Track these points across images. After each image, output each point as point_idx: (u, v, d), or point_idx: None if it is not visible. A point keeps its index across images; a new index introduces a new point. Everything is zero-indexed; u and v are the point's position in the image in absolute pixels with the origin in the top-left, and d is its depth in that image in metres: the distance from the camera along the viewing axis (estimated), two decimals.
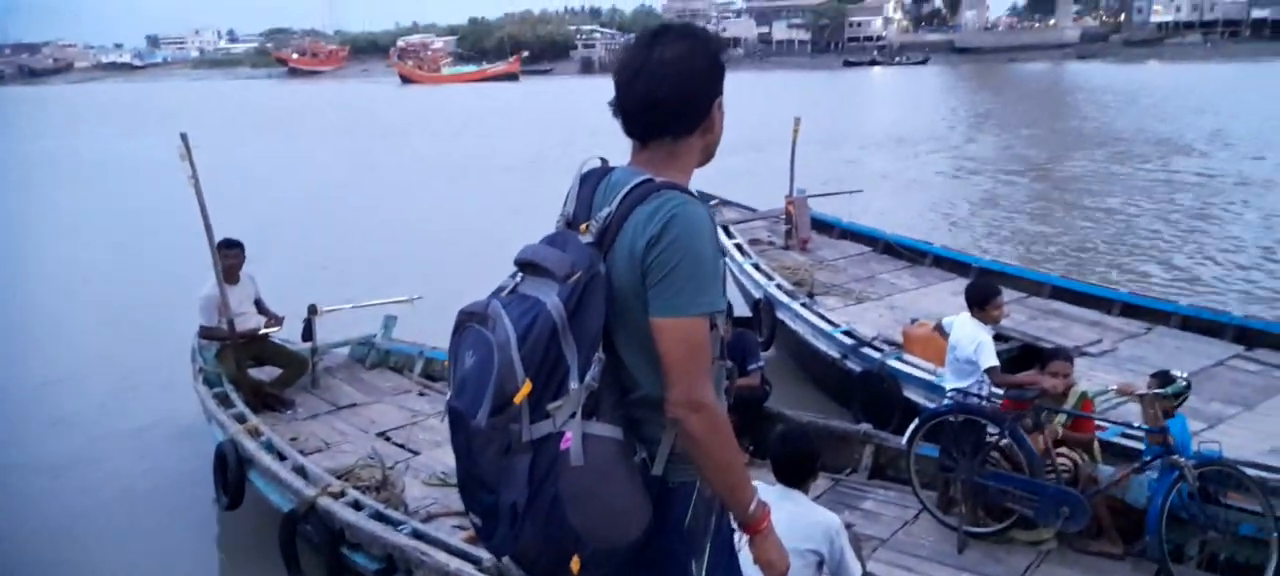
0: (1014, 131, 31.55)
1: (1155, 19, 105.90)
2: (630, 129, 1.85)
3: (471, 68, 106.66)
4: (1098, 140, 27.69)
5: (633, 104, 1.81)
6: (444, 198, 19.97)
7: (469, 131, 37.03)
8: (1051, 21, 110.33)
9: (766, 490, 3.50)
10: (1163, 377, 4.60)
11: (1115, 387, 4.96)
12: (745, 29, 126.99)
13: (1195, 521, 4.33)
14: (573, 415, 1.68)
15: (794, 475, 3.46)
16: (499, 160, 25.55)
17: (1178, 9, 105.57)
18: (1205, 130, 28.37)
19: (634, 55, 1.80)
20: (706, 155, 1.91)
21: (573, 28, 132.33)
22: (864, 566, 3.65)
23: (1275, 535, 4.16)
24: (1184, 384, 4.56)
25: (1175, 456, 4.24)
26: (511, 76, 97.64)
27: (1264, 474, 4.51)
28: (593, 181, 1.87)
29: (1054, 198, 18.27)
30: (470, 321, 1.77)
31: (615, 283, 1.73)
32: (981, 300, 5.16)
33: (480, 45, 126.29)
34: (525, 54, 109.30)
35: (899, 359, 6.50)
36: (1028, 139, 28.98)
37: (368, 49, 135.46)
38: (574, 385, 1.68)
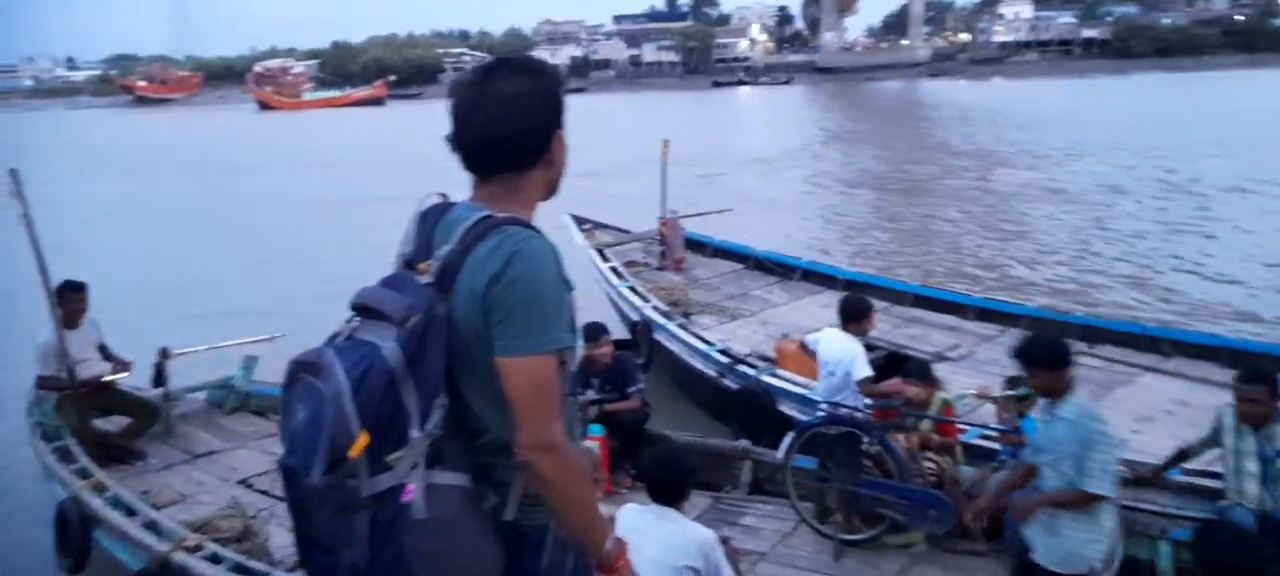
0: (874, 147, 33.04)
1: (997, 39, 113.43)
2: (470, 164, 1.79)
3: (335, 93, 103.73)
4: (951, 154, 29.32)
5: (471, 139, 1.75)
6: (306, 231, 19.23)
7: (333, 160, 35.87)
8: (904, 42, 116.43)
9: (642, 510, 3.50)
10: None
11: (973, 392, 5.21)
12: (616, 51, 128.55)
13: None
14: (414, 466, 1.61)
15: (668, 494, 3.50)
16: (364, 190, 24.84)
17: (1017, 29, 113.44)
18: (1051, 142, 30.46)
19: (470, 89, 1.74)
20: (549, 188, 1.86)
21: (441, 51, 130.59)
22: None
23: (1121, 523, 4.43)
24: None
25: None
26: (377, 101, 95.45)
27: None
28: (432, 219, 1.80)
29: (912, 209, 19.20)
30: (302, 372, 1.65)
31: (457, 324, 1.67)
32: (857, 315, 5.31)
33: (344, 69, 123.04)
34: (392, 78, 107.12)
35: (773, 374, 6.64)
36: (887, 155, 30.37)
37: (223, 75, 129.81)
38: (415, 434, 1.60)
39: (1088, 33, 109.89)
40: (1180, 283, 12.25)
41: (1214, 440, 4.43)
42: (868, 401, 5.11)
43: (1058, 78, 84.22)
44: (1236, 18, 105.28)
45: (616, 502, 5.27)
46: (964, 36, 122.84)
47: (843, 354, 5.16)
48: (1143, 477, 4.74)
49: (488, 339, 1.65)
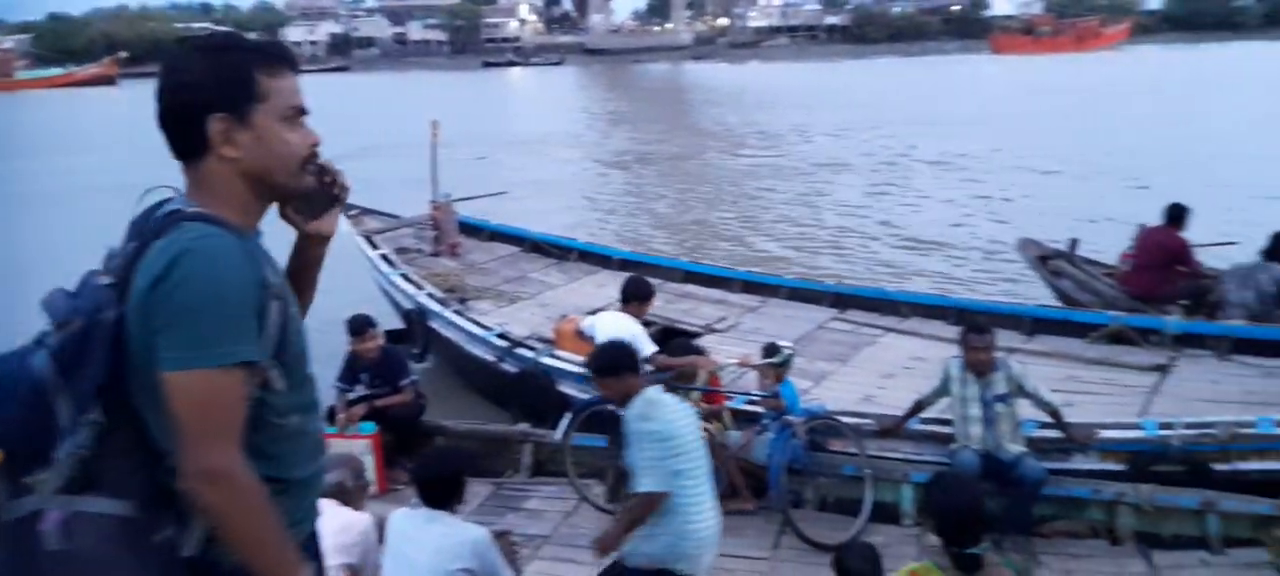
0: (644, 128, 33.96)
1: (753, 24, 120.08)
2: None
3: (56, 71, 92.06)
4: (716, 133, 30.74)
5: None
6: (37, 229, 16.99)
7: (65, 145, 31.92)
8: (669, 25, 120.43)
9: (411, 514, 3.39)
10: (771, 348, 5.21)
11: (736, 361, 5.51)
12: (379, 28, 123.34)
13: (808, 471, 4.95)
14: (56, 489, 1.41)
15: (438, 496, 3.40)
16: (107, 178, 22.26)
17: (770, 15, 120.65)
18: (802, 122, 32.66)
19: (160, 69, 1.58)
20: (258, 182, 1.59)
21: (181, 26, 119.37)
22: (519, 572, 3.69)
23: (869, 472, 4.88)
24: (789, 352, 5.19)
25: (787, 416, 4.81)
26: (108, 80, 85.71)
27: (858, 420, 5.28)
28: (148, 214, 1.58)
29: (679, 187, 19.96)
30: None
31: (131, 330, 1.46)
32: (640, 296, 5.40)
33: (65, 46, 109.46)
34: (124, 55, 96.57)
35: (552, 356, 6.67)
36: (657, 135, 31.33)
37: None
38: (59, 453, 1.41)
39: (831, 19, 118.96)
40: (911, 250, 13.59)
41: (944, 389, 4.98)
42: (665, 374, 5.27)
43: (808, 61, 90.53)
44: (953, 7, 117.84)
45: (395, 501, 5.12)
46: (723, 21, 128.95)
47: (624, 333, 5.27)
48: (887, 430, 5.23)
49: (153, 349, 1.45)
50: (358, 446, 5.44)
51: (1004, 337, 6.33)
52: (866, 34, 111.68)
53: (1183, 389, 6.06)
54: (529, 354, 6.80)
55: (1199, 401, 5.72)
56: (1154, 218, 7.95)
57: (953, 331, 6.30)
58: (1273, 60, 58.06)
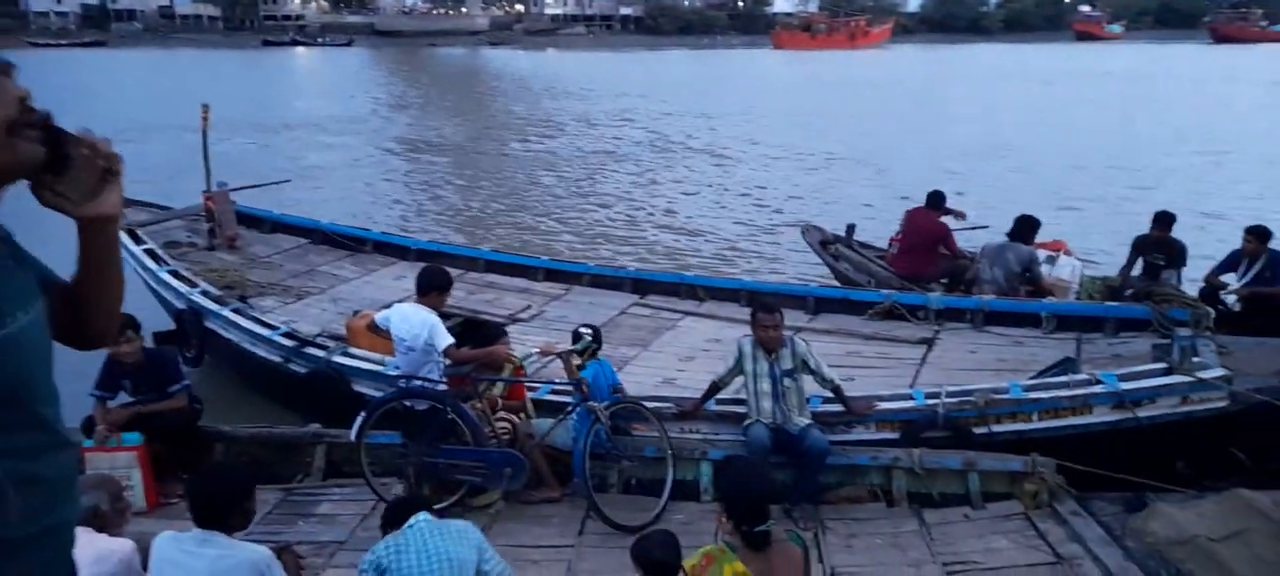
0: (442, 114, 33.10)
1: (549, 11, 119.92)
2: None
3: None
4: (510, 120, 30.45)
5: None
6: None
7: None
8: (463, 9, 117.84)
9: (179, 538, 3.05)
10: (575, 335, 5.23)
11: (538, 350, 5.48)
12: (142, 1, 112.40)
13: (612, 454, 5.02)
14: None
15: (213, 517, 3.07)
16: None
17: (565, 3, 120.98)
18: (604, 109, 33.00)
19: None
20: None
21: None
22: None
23: (669, 452, 5.01)
24: (589, 338, 5.22)
25: (590, 402, 4.84)
26: None
27: (658, 403, 5.41)
28: None
29: (480, 175, 19.62)
30: None
31: None
32: (436, 287, 5.21)
33: None
34: None
35: (345, 353, 6.35)
36: (454, 121, 30.63)
37: None
38: None
39: (625, 10, 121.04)
40: (704, 236, 14.12)
41: (738, 367, 5.19)
42: (464, 368, 5.12)
43: (604, 50, 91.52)
44: (739, 3, 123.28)
45: (171, 515, 4.68)
46: (519, 7, 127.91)
47: (420, 326, 5.07)
48: (686, 412, 5.39)
49: None
50: (120, 460, 4.93)
51: (791, 317, 6.70)
52: (659, 26, 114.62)
53: (946, 359, 6.66)
54: (320, 353, 6.44)
55: (960, 370, 6.31)
56: (918, 201, 8.70)
57: (746, 313, 6.58)
58: (1009, 58, 65.32)
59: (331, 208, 12.67)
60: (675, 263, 11.97)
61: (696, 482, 5.13)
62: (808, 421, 5.04)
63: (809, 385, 5.21)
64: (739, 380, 5.21)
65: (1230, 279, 7.36)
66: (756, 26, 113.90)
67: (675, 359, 6.93)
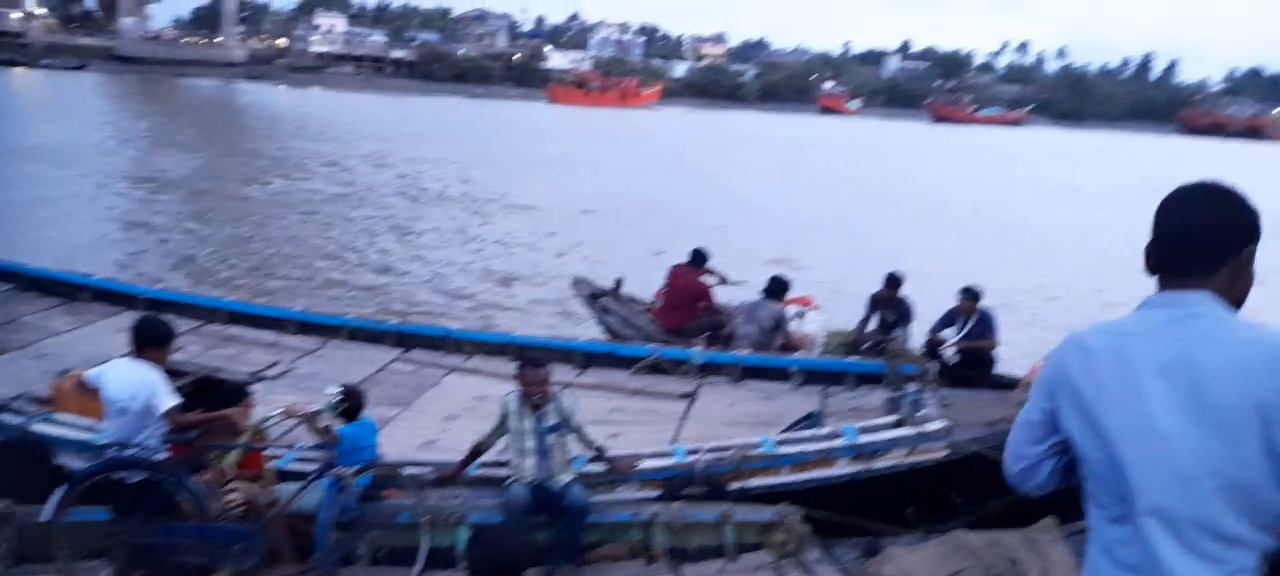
0: (188, 150, 30.49)
1: (315, 49, 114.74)
2: None
3: None
4: (271, 162, 28.60)
5: None
6: None
7: None
8: (218, 39, 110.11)
9: None
10: (331, 396, 4.87)
11: (282, 411, 5.06)
12: None
13: (361, 523, 4.69)
14: None
15: None
16: None
17: (334, 41, 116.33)
18: (364, 153, 31.76)
19: None
20: None
21: None
22: None
23: (425, 518, 4.76)
24: (340, 398, 4.88)
25: (336, 468, 4.51)
26: None
27: (416, 468, 5.14)
28: None
29: (230, 218, 18.17)
30: None
31: None
32: (156, 340, 4.67)
33: None
34: None
35: (48, 420, 5.54)
36: (203, 158, 28.29)
37: None
38: None
39: (397, 53, 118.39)
40: (474, 289, 13.86)
41: (503, 427, 5.05)
42: (190, 434, 4.60)
43: (374, 93, 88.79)
44: (515, 56, 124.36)
45: None
46: (282, 42, 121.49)
47: (136, 386, 4.51)
48: (445, 477, 5.16)
49: None
50: None
51: (559, 372, 6.65)
52: (433, 72, 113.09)
53: (706, 413, 6.88)
54: (16, 418, 5.56)
55: (719, 424, 6.53)
56: (682, 257, 9.02)
57: (513, 368, 6.46)
58: (762, 126, 70.46)
59: (44, 250, 11.17)
60: (442, 316, 11.62)
61: (453, 550, 4.90)
62: (570, 478, 4.99)
63: (574, 443, 5.17)
64: (504, 440, 5.08)
65: (949, 334, 8.20)
66: (532, 80, 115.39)
67: (438, 418, 6.66)
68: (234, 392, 5.32)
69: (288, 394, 6.62)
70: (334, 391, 4.94)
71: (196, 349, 7.56)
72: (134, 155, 27.79)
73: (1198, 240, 1.56)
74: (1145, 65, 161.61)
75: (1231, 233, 1.57)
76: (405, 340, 8.25)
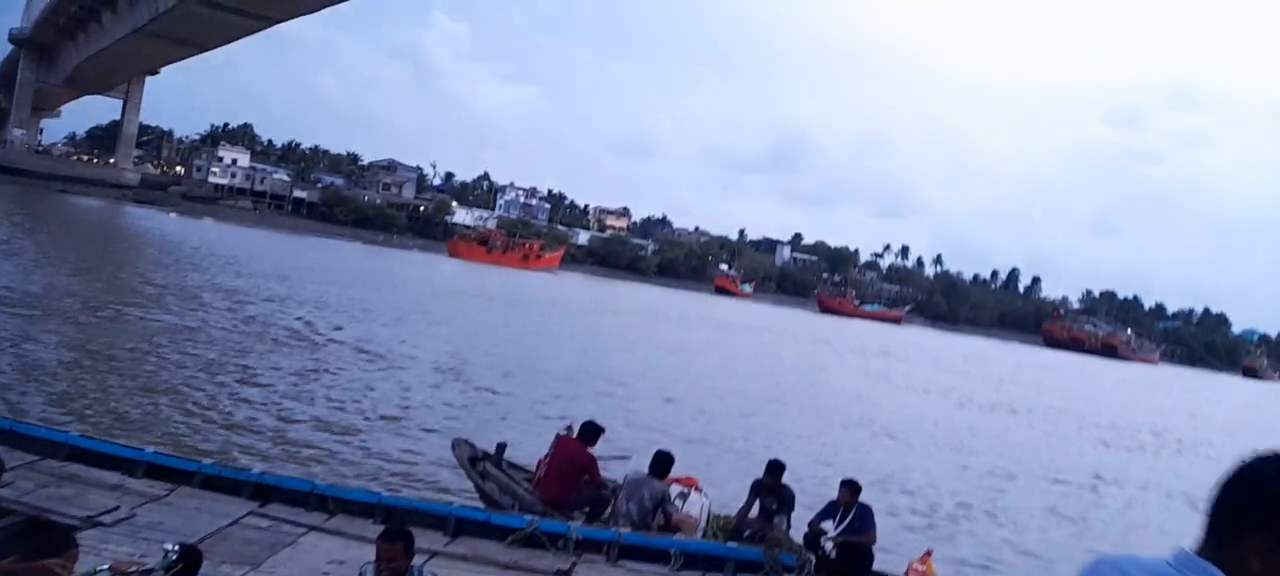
0: (49, 265, 28.88)
1: (214, 179, 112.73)
2: None
3: None
4: (138, 286, 27.32)
5: None
6: None
7: None
8: (112, 160, 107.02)
9: None
10: (167, 553, 4.43)
11: (109, 567, 4.57)
12: None
13: None
14: None
15: None
16: None
17: (233, 175, 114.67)
18: (253, 288, 30.72)
19: None
20: None
21: None
22: None
23: None
24: (174, 557, 4.46)
25: None
26: None
27: None
28: None
29: (90, 346, 17.03)
30: None
31: None
32: None
33: None
34: None
35: None
36: (63, 274, 26.80)
37: None
38: None
39: (300, 193, 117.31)
40: (346, 441, 13.23)
41: None
42: None
43: (270, 229, 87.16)
44: (421, 208, 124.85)
45: None
46: (180, 169, 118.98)
47: None
48: None
49: None
50: None
51: (428, 538, 6.31)
52: (334, 214, 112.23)
53: None
54: None
55: None
56: (573, 428, 8.85)
57: (377, 531, 6.08)
58: (660, 299, 72.01)
59: None
60: (308, 464, 10.99)
61: None
62: None
63: None
64: None
65: (829, 526, 8.21)
66: (435, 232, 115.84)
67: None
68: (61, 539, 4.78)
69: (123, 545, 6.04)
70: (170, 547, 4.50)
71: (28, 486, 6.87)
72: (4, 269, 26.14)
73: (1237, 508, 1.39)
74: (1012, 278, 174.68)
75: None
76: (263, 492, 7.70)
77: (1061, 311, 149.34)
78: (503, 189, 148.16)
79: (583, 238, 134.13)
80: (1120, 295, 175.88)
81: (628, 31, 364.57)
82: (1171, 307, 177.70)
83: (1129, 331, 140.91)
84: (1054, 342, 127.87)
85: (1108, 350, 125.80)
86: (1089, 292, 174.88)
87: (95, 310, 21.44)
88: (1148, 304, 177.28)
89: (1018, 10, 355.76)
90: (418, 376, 19.36)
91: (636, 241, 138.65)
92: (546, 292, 58.67)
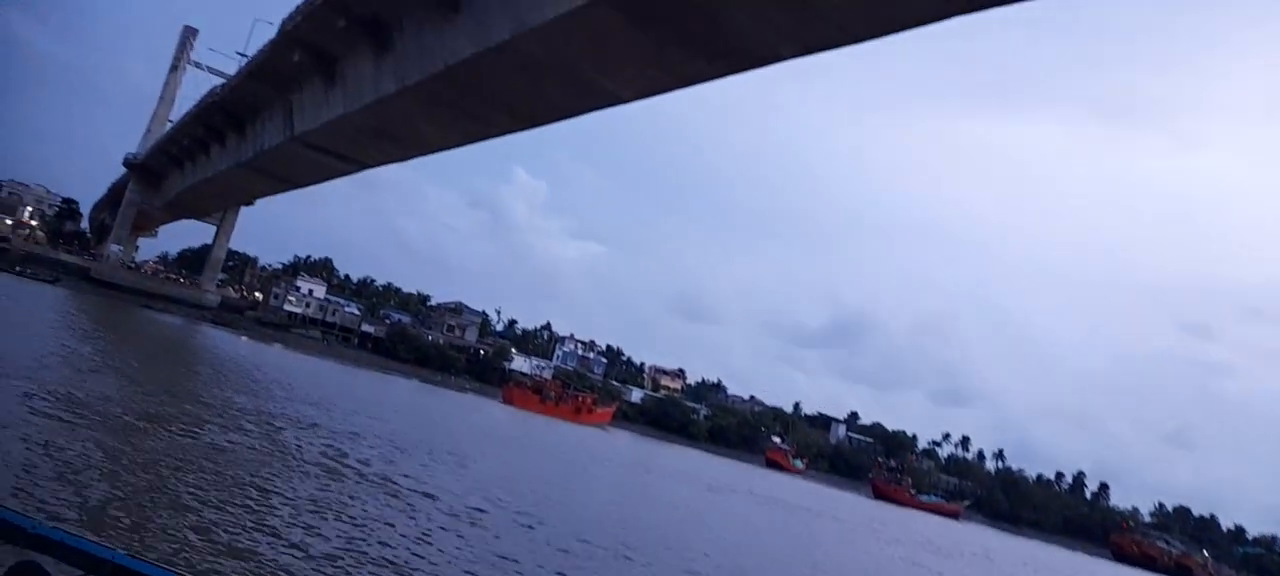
0: (128, 379, 30.33)
1: (289, 308, 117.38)
2: None
3: None
4: (190, 406, 28.44)
5: None
6: None
7: None
8: (197, 280, 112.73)
9: None
10: None
11: None
12: None
13: None
14: None
15: None
16: None
17: (308, 304, 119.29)
18: (307, 417, 31.64)
19: None
20: None
21: None
22: None
23: None
24: None
25: None
26: None
27: None
28: None
29: (145, 459, 17.83)
30: None
31: None
32: None
33: None
34: None
35: None
36: (122, 388, 28.09)
37: None
38: None
39: (367, 327, 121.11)
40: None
41: None
42: None
43: (333, 360, 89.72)
44: (481, 352, 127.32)
45: None
46: (258, 294, 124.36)
47: None
48: None
49: None
50: None
51: None
52: (397, 351, 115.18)
53: None
54: None
55: None
56: None
57: None
58: (704, 462, 70.99)
59: None
60: None
61: None
62: None
63: None
64: None
65: None
66: (492, 376, 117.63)
67: None
68: None
69: None
70: None
71: None
72: (68, 374, 27.63)
73: None
74: (1079, 482, 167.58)
75: None
76: None
77: (1130, 523, 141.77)
78: (562, 340, 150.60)
79: (636, 395, 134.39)
80: (1195, 512, 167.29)
81: (697, 198, 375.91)
82: (1252, 531, 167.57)
83: (1206, 553, 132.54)
84: (1123, 557, 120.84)
85: (1182, 571, 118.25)
86: (1161, 505, 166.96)
87: (158, 423, 22.43)
88: (1225, 524, 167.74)
89: (1087, 203, 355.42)
90: (428, 518, 19.63)
91: (690, 404, 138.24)
92: (593, 447, 58.66)
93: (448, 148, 29.13)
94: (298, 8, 24.87)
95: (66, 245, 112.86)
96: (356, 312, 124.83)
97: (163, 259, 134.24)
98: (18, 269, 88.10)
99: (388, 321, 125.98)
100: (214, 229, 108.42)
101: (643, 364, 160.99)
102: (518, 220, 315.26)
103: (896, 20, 17.72)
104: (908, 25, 17.48)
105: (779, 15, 17.63)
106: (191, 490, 16.41)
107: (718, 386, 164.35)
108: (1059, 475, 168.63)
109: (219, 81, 51.11)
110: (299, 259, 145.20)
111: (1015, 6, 16.45)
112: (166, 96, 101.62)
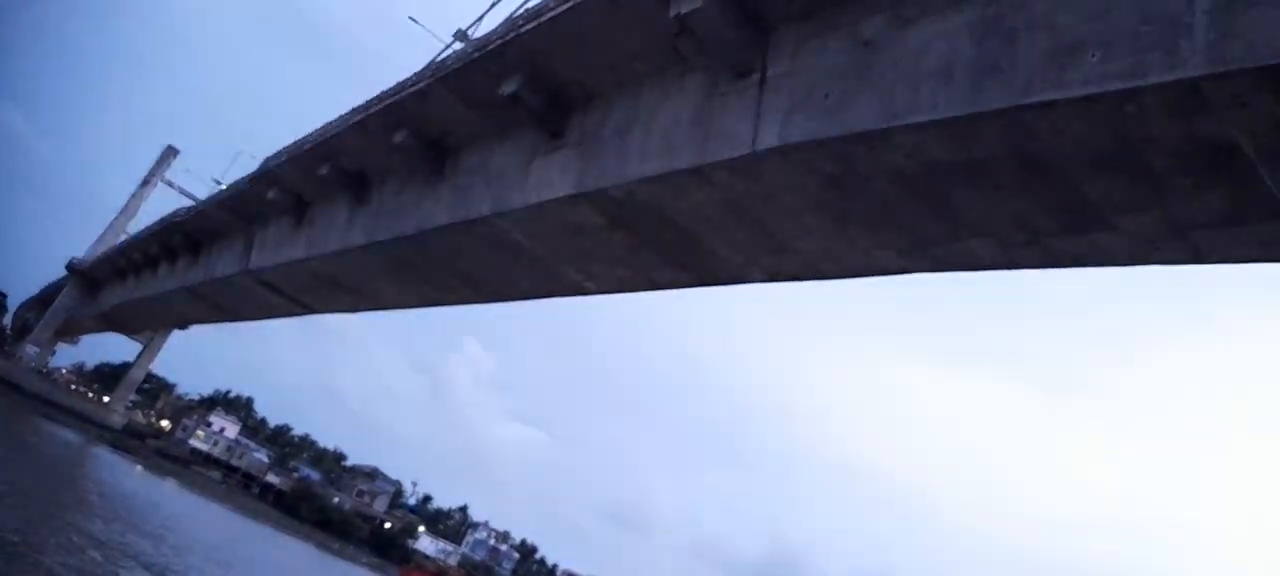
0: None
1: (195, 443, 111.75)
2: None
3: None
4: (40, 531, 26.39)
5: None
6: None
7: None
8: (107, 398, 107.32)
9: None
10: None
11: None
12: None
13: None
14: None
15: None
16: None
17: (216, 443, 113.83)
18: (172, 565, 29.40)
19: None
20: None
21: None
22: None
23: None
24: None
25: None
26: None
27: None
28: None
29: None
30: None
31: None
32: None
33: None
34: None
35: None
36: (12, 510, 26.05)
37: None
38: None
39: (273, 478, 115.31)
40: None
41: None
42: None
43: (229, 507, 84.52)
44: (387, 524, 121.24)
45: None
46: (166, 424, 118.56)
47: None
48: None
49: None
50: None
51: None
52: (299, 509, 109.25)
53: None
54: None
55: None
56: None
57: None
58: None
59: None
60: None
61: None
62: None
63: None
64: None
65: None
66: (392, 553, 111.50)
67: None
68: None
69: None
70: None
71: None
72: None
73: None
74: None
75: None
76: None
77: None
78: (476, 526, 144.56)
79: None
80: None
81: (654, 406, 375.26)
82: None
83: None
84: None
85: None
86: None
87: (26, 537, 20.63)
88: None
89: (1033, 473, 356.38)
90: None
91: None
92: None
93: (403, 307, 28.95)
94: (285, 148, 25.20)
95: None
96: (265, 460, 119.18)
97: (78, 369, 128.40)
98: None
99: (296, 475, 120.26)
100: (139, 348, 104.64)
101: (555, 566, 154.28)
102: (459, 391, 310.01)
103: (859, 267, 18.50)
104: (871, 273, 18.24)
105: (752, 246, 18.30)
106: None
107: None
108: None
109: (187, 203, 50.74)
110: (219, 393, 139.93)
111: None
112: (130, 208, 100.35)
